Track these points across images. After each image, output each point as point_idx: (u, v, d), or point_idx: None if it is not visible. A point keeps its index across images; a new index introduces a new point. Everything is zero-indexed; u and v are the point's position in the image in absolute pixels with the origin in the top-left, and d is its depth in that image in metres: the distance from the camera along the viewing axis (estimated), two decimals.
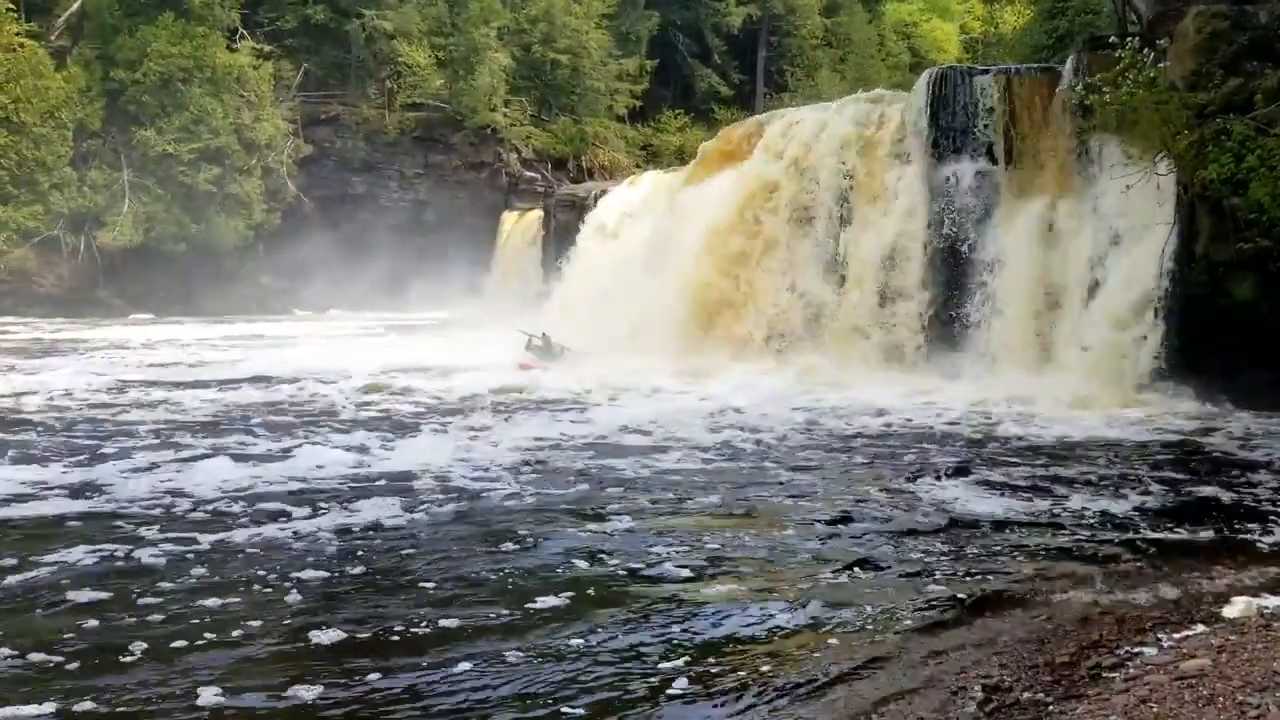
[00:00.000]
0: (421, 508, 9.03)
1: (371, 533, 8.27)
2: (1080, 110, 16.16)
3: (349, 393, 16.77)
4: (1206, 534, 8.12)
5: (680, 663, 5.58)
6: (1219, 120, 13.85)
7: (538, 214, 35.93)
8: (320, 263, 39.66)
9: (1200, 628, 5.71)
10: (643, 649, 5.81)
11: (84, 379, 18.74)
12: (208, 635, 5.96)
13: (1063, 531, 8.22)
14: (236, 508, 9.00)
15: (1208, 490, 9.62)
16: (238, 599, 6.61)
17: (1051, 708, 4.73)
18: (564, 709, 5.05)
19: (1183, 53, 14.90)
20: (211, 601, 6.52)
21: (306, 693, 5.23)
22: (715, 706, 5.06)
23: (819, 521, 8.59)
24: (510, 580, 7.07)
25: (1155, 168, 14.49)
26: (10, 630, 6.02)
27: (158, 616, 6.27)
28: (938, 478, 10.22)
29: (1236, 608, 5.91)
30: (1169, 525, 8.37)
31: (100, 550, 7.58)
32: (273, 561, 7.42)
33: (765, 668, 5.49)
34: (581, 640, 5.91)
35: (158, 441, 12.31)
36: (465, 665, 5.56)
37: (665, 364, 18.54)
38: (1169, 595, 6.51)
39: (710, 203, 21.75)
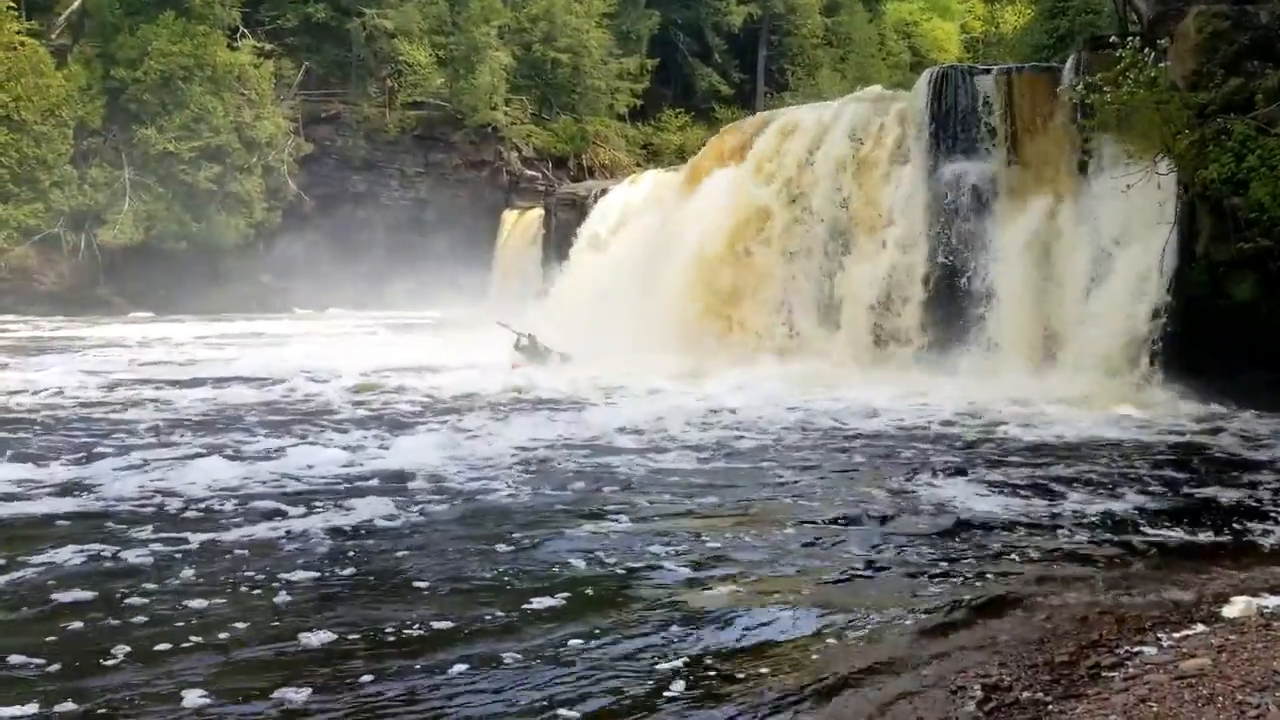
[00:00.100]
0: (415, 508, 8.96)
1: (364, 533, 8.20)
2: (1081, 110, 16.14)
3: (342, 392, 16.67)
4: (1206, 534, 8.12)
5: (679, 664, 5.55)
6: (1220, 120, 13.85)
7: (538, 213, 35.95)
8: (321, 261, 39.67)
9: (1200, 627, 5.71)
10: (641, 651, 5.77)
11: (77, 377, 18.68)
12: (194, 637, 5.88)
13: (1062, 531, 8.22)
14: (227, 507, 8.94)
15: (1208, 490, 9.62)
16: (226, 600, 6.54)
17: (1051, 707, 4.74)
18: (560, 711, 5.01)
19: (1183, 52, 14.90)
20: (199, 603, 6.45)
21: (295, 695, 5.16)
22: (714, 710, 5.02)
23: (818, 522, 8.58)
24: (506, 581, 7.02)
25: (1156, 167, 14.48)
26: None
27: (143, 618, 6.20)
28: (936, 478, 10.22)
29: (1236, 607, 5.92)
30: (1168, 525, 8.37)
31: (88, 550, 7.51)
32: (263, 562, 7.34)
33: (764, 670, 5.46)
34: (579, 642, 5.86)
35: (149, 440, 12.25)
36: (461, 667, 5.50)
37: (663, 364, 18.47)
38: (1168, 595, 6.52)
39: (711, 207, 21.76)
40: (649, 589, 6.84)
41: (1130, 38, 14.88)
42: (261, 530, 8.17)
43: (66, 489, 9.60)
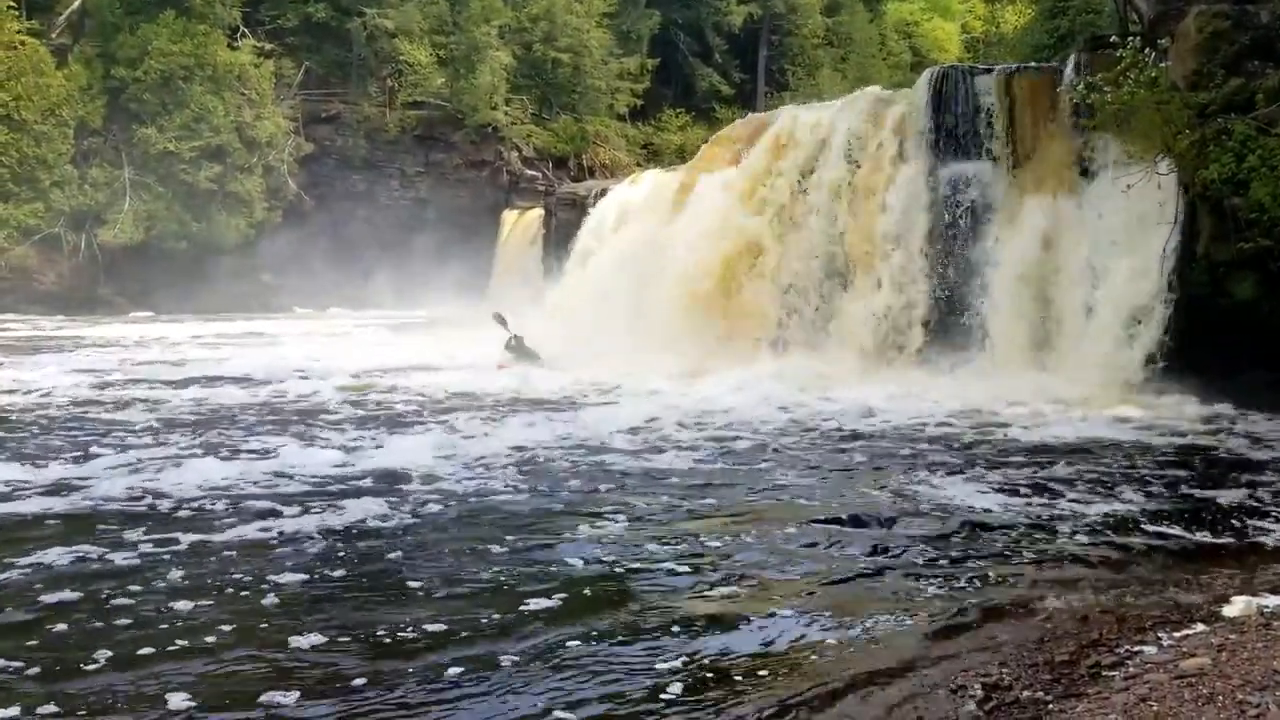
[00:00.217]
0: (409, 508, 8.87)
1: (357, 533, 8.11)
2: (1081, 110, 16.14)
3: (337, 392, 16.58)
4: (1206, 534, 8.12)
5: (678, 665, 5.51)
6: (1220, 120, 13.85)
7: (538, 213, 35.96)
8: (321, 261, 39.64)
9: (1200, 627, 5.70)
10: (639, 653, 5.72)
11: (70, 377, 18.64)
12: (179, 640, 5.80)
13: (1062, 531, 8.22)
14: (219, 507, 8.87)
15: (1208, 490, 9.62)
16: (214, 602, 6.46)
17: (1051, 706, 4.73)
18: (558, 713, 4.97)
19: (1184, 52, 14.90)
20: (186, 605, 6.37)
21: (284, 699, 5.09)
22: (713, 713, 4.99)
23: (817, 522, 8.55)
24: (502, 582, 6.94)
25: (1156, 167, 14.48)
26: None
27: (128, 619, 6.12)
28: (936, 478, 10.22)
29: (1236, 607, 5.91)
30: (1169, 525, 8.37)
31: (76, 551, 7.43)
32: (253, 563, 7.25)
33: (763, 671, 5.43)
34: (577, 644, 5.81)
35: (141, 440, 12.18)
36: (456, 670, 5.44)
37: (660, 365, 18.41)
38: (1168, 594, 6.52)
39: (711, 206, 21.74)
40: (647, 590, 6.79)
41: (1131, 37, 14.88)
42: (252, 531, 8.10)
43: (56, 489, 9.52)
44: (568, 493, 9.61)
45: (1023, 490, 9.64)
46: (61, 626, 6.02)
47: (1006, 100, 18.16)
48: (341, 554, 7.54)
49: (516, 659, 5.60)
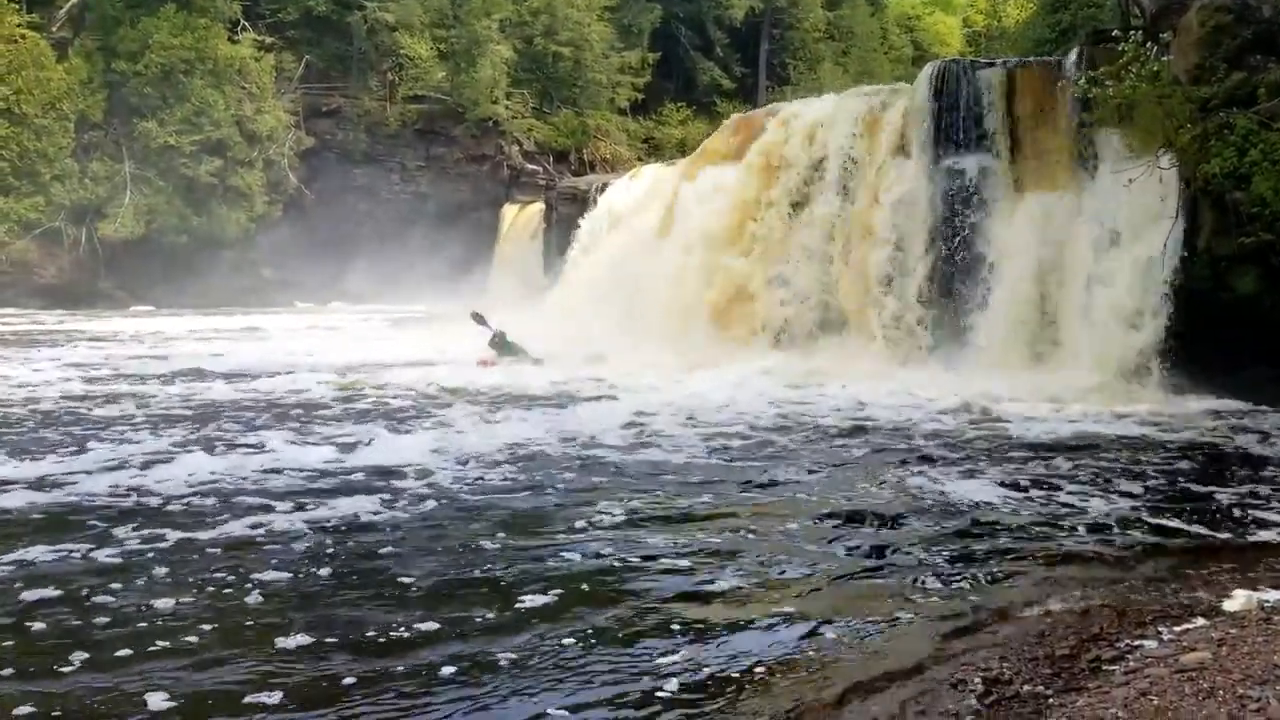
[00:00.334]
0: (401, 505, 8.71)
1: (347, 530, 7.96)
2: (1083, 104, 16.13)
3: (330, 387, 16.44)
4: (1207, 528, 8.11)
5: (677, 663, 5.45)
6: (1222, 114, 13.83)
7: (539, 207, 35.95)
8: (321, 255, 39.67)
9: (1200, 621, 5.70)
10: (637, 651, 5.65)
11: (62, 371, 18.58)
12: (160, 640, 5.68)
13: (1062, 526, 8.21)
14: (207, 503, 8.72)
15: (1208, 485, 9.62)
16: (197, 600, 6.34)
17: (1051, 700, 4.73)
18: (554, 713, 4.91)
19: (1186, 46, 14.88)
20: (168, 603, 6.24)
21: (268, 699, 4.99)
22: (712, 711, 4.95)
23: (817, 517, 8.54)
24: (496, 578, 6.83)
25: (1158, 162, 14.45)
26: None
27: (107, 618, 6.02)
28: (936, 473, 10.22)
29: (1237, 601, 5.91)
30: (1169, 519, 8.37)
31: (59, 548, 7.31)
32: (239, 561, 7.12)
33: (760, 668, 5.40)
34: (572, 641, 5.72)
35: (129, 435, 12.02)
36: (449, 669, 5.34)
37: (658, 360, 18.39)
38: (1169, 589, 6.52)
39: (711, 200, 21.73)
40: (645, 587, 6.70)
41: (1133, 31, 14.87)
42: (240, 528, 7.95)
43: (41, 484, 9.38)
44: (563, 488, 9.47)
45: (1023, 486, 9.63)
46: (40, 626, 5.92)
47: (1007, 94, 18.14)
48: (331, 551, 7.42)
49: (513, 657, 5.50)
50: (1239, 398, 14.03)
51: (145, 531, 7.80)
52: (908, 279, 18.52)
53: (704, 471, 10.25)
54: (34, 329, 29.29)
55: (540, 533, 7.99)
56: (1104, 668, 5.08)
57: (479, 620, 6.06)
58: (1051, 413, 13.57)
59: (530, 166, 42.81)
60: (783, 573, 7.01)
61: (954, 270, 18.02)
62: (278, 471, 10.03)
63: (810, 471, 10.32)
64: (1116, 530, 8.08)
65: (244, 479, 9.69)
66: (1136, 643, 5.40)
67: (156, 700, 4.94)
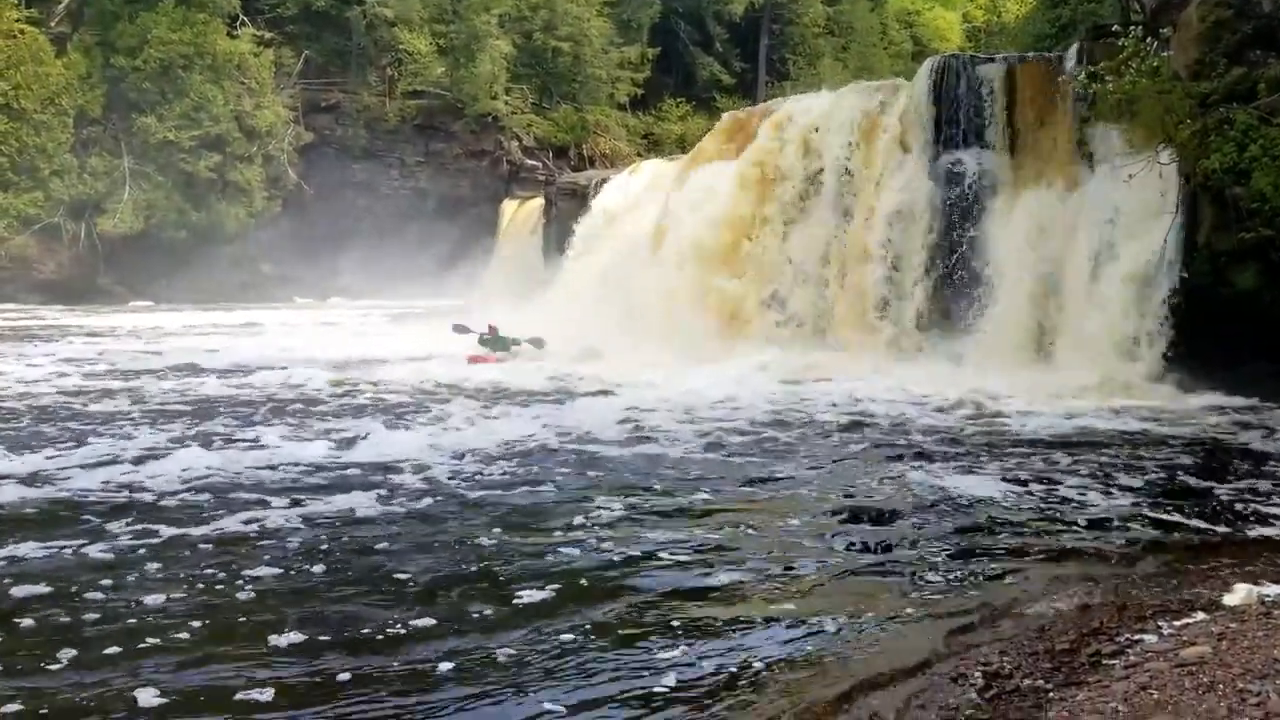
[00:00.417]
0: (396, 501, 8.64)
1: (342, 526, 7.88)
2: (1083, 99, 16.12)
3: (325, 383, 16.38)
4: (1207, 523, 8.11)
5: (676, 658, 5.42)
6: (1222, 109, 13.83)
7: (538, 202, 35.90)
8: (321, 250, 39.67)
9: (1200, 615, 5.70)
10: (636, 646, 5.60)
11: (59, 366, 18.56)
12: (151, 637, 5.60)
13: (1062, 520, 8.21)
14: (200, 499, 8.66)
15: (1208, 480, 9.62)
16: (189, 597, 6.25)
17: (1052, 694, 4.73)
18: (549, 707, 4.86)
19: (1186, 41, 14.87)
20: (159, 600, 6.16)
21: (260, 695, 4.92)
22: (710, 705, 4.92)
23: (816, 513, 8.52)
24: (493, 574, 6.77)
25: (1158, 157, 14.44)
26: None
27: (98, 615, 5.93)
28: (936, 468, 10.22)
29: (1237, 595, 5.91)
30: (1169, 514, 8.37)
31: (51, 545, 7.23)
32: (232, 557, 7.03)
33: (758, 663, 5.37)
34: (570, 637, 5.67)
35: (123, 431, 11.99)
36: (446, 666, 5.28)
37: (656, 356, 18.33)
38: (1169, 583, 6.52)
39: (711, 195, 21.68)
40: (644, 583, 6.64)
41: (1133, 27, 14.88)
42: (233, 524, 7.88)
43: (34, 479, 9.32)
44: (560, 484, 9.42)
45: (1023, 481, 9.62)
46: (29, 622, 5.84)
47: (1007, 90, 18.13)
48: (326, 547, 7.32)
49: (511, 653, 5.45)
50: (1239, 393, 14.02)
51: (138, 527, 7.75)
52: (907, 275, 18.51)
53: (702, 467, 10.22)
54: (31, 324, 29.29)
55: (538, 528, 7.94)
56: (1104, 662, 5.07)
57: (476, 616, 6.01)
58: (1051, 408, 13.56)
59: (529, 162, 42.80)
60: (782, 568, 6.99)
61: (954, 266, 18.00)
62: (273, 467, 9.97)
63: (809, 467, 10.29)
64: (1116, 525, 8.08)
65: (238, 474, 9.63)
66: (1136, 637, 5.40)
67: (147, 697, 4.88)
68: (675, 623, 5.92)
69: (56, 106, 36.30)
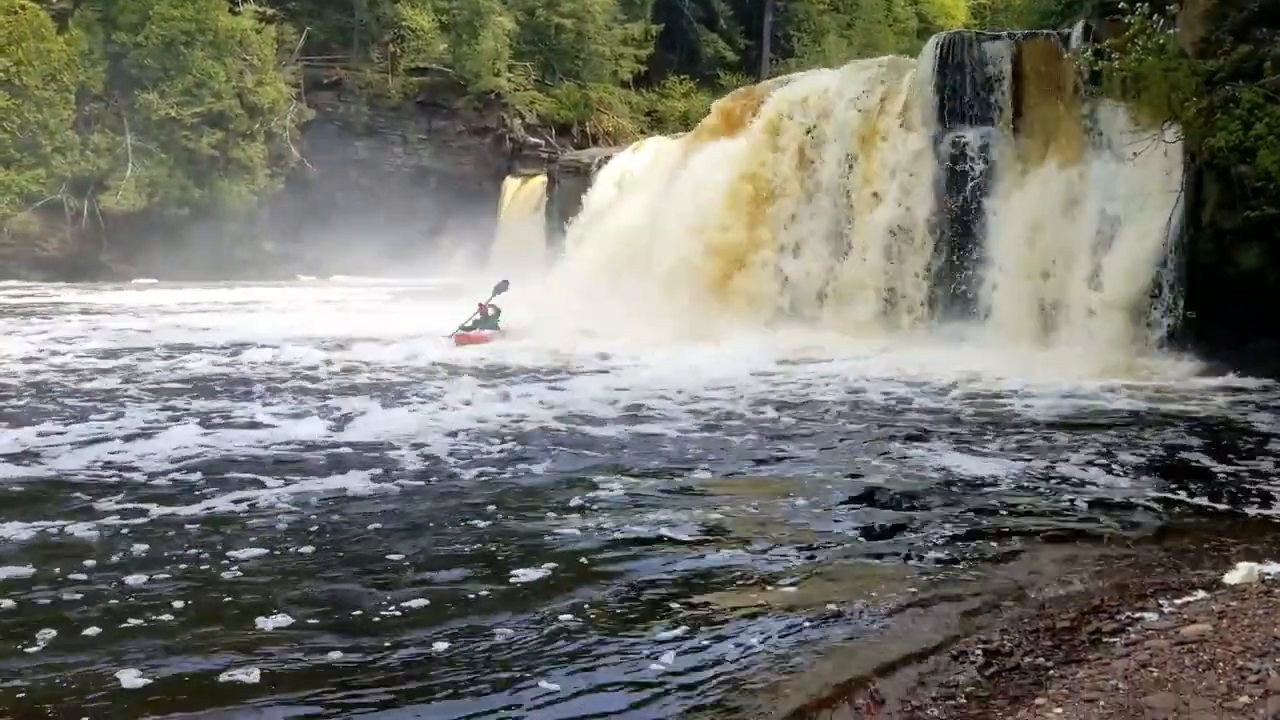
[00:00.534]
0: (390, 480, 8.55)
1: (333, 506, 7.79)
2: (1088, 77, 16.04)
3: (320, 361, 16.31)
4: (1209, 501, 8.12)
5: (678, 635, 5.39)
6: (1228, 87, 13.74)
7: (541, 180, 35.87)
8: (323, 228, 39.64)
9: (1201, 594, 5.71)
10: (636, 626, 5.56)
11: (54, 344, 18.52)
12: (134, 618, 5.51)
13: (1064, 499, 8.21)
14: (192, 479, 8.55)
15: (1211, 458, 9.61)
16: (176, 577, 6.16)
17: (1052, 672, 4.74)
18: (548, 687, 4.81)
19: (1192, 19, 14.77)
20: (144, 580, 6.07)
21: (247, 676, 4.84)
22: (709, 684, 4.89)
23: (817, 493, 8.49)
24: (490, 554, 6.68)
25: (1163, 135, 14.38)
26: None
27: (80, 595, 5.84)
28: (937, 447, 10.22)
29: (1238, 574, 5.91)
30: (1171, 493, 8.36)
31: (35, 524, 7.13)
32: (221, 537, 6.96)
33: (755, 639, 5.38)
34: (569, 617, 5.62)
35: (118, 409, 11.90)
36: (441, 646, 5.23)
37: (657, 334, 18.30)
38: (1170, 561, 6.53)
39: (714, 172, 21.62)
40: (643, 563, 6.57)
41: (1139, 3, 14.73)
42: (224, 503, 7.79)
43: (22, 458, 9.21)
44: (557, 464, 9.32)
45: (1025, 461, 9.61)
46: (8, 603, 5.74)
47: (1013, 67, 18.05)
48: (317, 527, 7.25)
49: (509, 634, 5.39)
50: (1244, 372, 13.99)
51: (126, 506, 7.65)
52: (911, 254, 18.47)
53: (701, 447, 10.16)
54: (32, 301, 29.26)
55: (534, 508, 7.85)
56: (1104, 640, 5.09)
57: (472, 597, 5.93)
58: (1054, 388, 13.53)
59: (532, 139, 42.67)
60: (782, 549, 6.96)
61: (957, 245, 17.96)
62: (266, 446, 9.90)
63: (809, 448, 10.25)
64: (1119, 504, 8.07)
65: (231, 453, 9.56)
66: (1137, 615, 5.41)
67: (129, 678, 4.81)
68: (675, 604, 5.86)
69: (58, 83, 36.18)
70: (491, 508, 7.79)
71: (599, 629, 5.53)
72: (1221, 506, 8.00)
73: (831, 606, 5.83)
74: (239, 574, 6.26)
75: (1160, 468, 9.37)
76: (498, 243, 36.56)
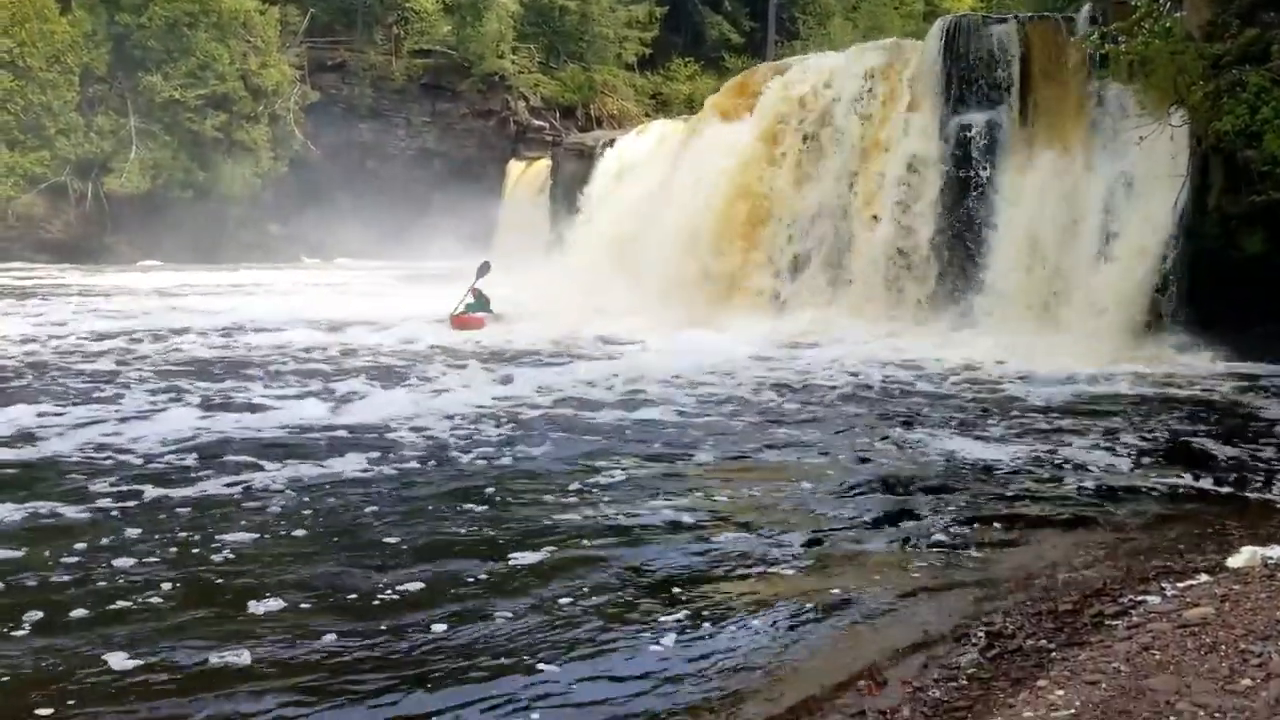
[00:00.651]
0: (386, 464, 8.51)
1: (330, 488, 7.76)
2: (1095, 60, 15.98)
3: (320, 343, 16.30)
4: (1212, 485, 8.13)
5: (680, 618, 5.39)
6: (1234, 71, 13.69)
7: (545, 163, 35.75)
8: (327, 211, 39.59)
9: (1204, 577, 5.72)
10: (636, 608, 5.54)
11: (55, 326, 18.53)
12: (122, 600, 5.47)
13: (1067, 482, 8.22)
14: (187, 461, 8.52)
15: (1215, 443, 9.61)
16: (167, 559, 6.12)
17: (1054, 654, 4.76)
18: (547, 668, 4.80)
19: (1199, 2, 14.70)
20: (134, 563, 6.01)
21: (237, 658, 4.80)
22: (705, 665, 4.90)
23: (819, 478, 8.47)
24: (488, 537, 6.66)
25: (1169, 119, 14.34)
26: None
27: (69, 577, 5.79)
28: (941, 431, 10.22)
29: (1241, 557, 5.92)
30: (1174, 477, 8.37)
31: (28, 505, 7.06)
32: (215, 519, 6.92)
33: (757, 620, 5.37)
34: (568, 600, 5.59)
35: (115, 391, 11.88)
36: (440, 627, 5.20)
37: (660, 318, 18.26)
38: (1173, 545, 6.54)
39: (718, 157, 21.56)
40: (644, 548, 6.55)
41: None
42: (218, 486, 7.74)
43: (17, 440, 9.17)
44: (556, 447, 9.28)
45: (1028, 443, 9.62)
46: None
47: (1019, 50, 17.97)
48: (313, 510, 7.19)
49: (507, 617, 5.35)
50: (1248, 357, 13.98)
51: (120, 489, 7.61)
52: (914, 238, 18.43)
53: (702, 431, 10.13)
54: (34, 283, 29.20)
55: (534, 492, 7.82)
56: (1107, 623, 5.10)
57: (470, 581, 5.88)
58: (1058, 372, 13.52)
59: (537, 122, 42.56)
60: (785, 534, 6.95)
61: (962, 229, 17.92)
62: (263, 428, 9.87)
63: (812, 432, 10.24)
64: (1122, 488, 8.08)
65: (227, 435, 9.52)
66: (1140, 598, 5.42)
67: (117, 660, 4.76)
68: (677, 589, 5.83)
69: (62, 65, 36.09)
70: (490, 491, 7.76)
71: (600, 613, 5.48)
72: (1225, 490, 8.01)
73: (835, 591, 5.82)
74: (231, 557, 6.21)
75: (1163, 452, 9.37)
76: (501, 226, 36.48)
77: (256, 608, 5.42)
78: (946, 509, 7.50)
